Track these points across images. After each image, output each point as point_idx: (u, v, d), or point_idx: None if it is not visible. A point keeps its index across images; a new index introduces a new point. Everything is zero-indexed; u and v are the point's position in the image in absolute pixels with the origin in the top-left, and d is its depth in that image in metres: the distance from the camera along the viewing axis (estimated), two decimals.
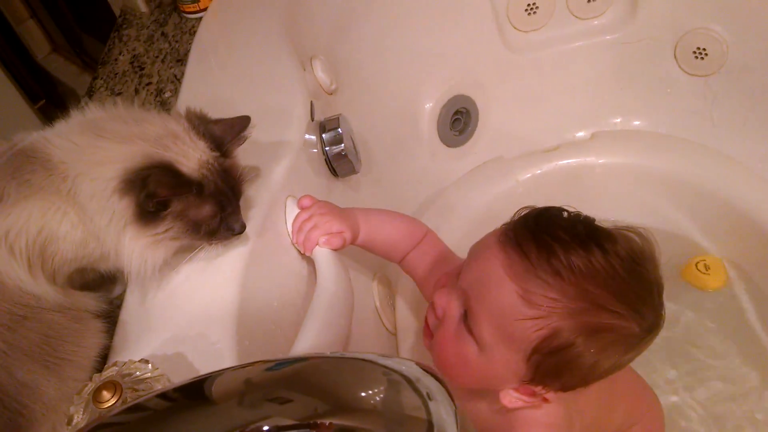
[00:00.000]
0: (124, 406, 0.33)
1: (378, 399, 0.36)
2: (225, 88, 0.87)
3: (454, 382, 0.63)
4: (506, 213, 0.61)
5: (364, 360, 0.38)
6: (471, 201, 1.04)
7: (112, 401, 0.48)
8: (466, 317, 0.59)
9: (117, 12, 1.15)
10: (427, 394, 0.36)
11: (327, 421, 0.34)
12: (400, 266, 0.81)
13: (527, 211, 0.60)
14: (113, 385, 0.49)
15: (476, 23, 1.27)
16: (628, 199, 1.04)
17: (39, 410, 0.49)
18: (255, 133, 0.77)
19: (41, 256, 0.53)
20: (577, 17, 1.29)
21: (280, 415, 0.33)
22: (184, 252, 0.61)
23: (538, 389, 0.58)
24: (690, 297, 0.96)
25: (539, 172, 1.07)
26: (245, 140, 0.63)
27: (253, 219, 0.68)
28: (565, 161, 1.06)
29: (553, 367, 0.55)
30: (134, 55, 1.03)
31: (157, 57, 1.01)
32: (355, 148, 0.89)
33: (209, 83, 0.89)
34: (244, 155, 0.74)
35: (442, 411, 0.37)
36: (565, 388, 0.57)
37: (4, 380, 0.49)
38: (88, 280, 0.61)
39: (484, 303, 0.57)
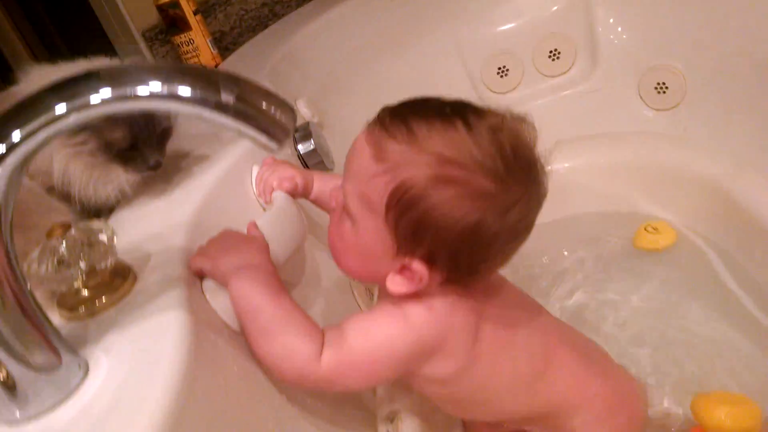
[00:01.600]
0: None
1: None
2: None
3: (347, 272, 0.65)
4: None
5: None
6: None
7: (59, 233, 0.56)
8: None
9: None
10: None
11: None
12: None
13: None
14: (63, 225, 0.57)
15: (455, 88, 1.43)
16: (582, 193, 1.10)
17: None
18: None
19: None
20: (545, 75, 1.44)
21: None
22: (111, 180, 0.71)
23: (407, 261, 0.57)
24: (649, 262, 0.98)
25: None
26: None
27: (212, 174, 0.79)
28: None
29: (408, 226, 0.55)
30: None
31: None
32: (327, 149, 1.00)
33: None
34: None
35: None
36: (433, 259, 0.56)
37: None
38: None
39: (348, 174, 0.60)
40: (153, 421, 0.44)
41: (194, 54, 1.23)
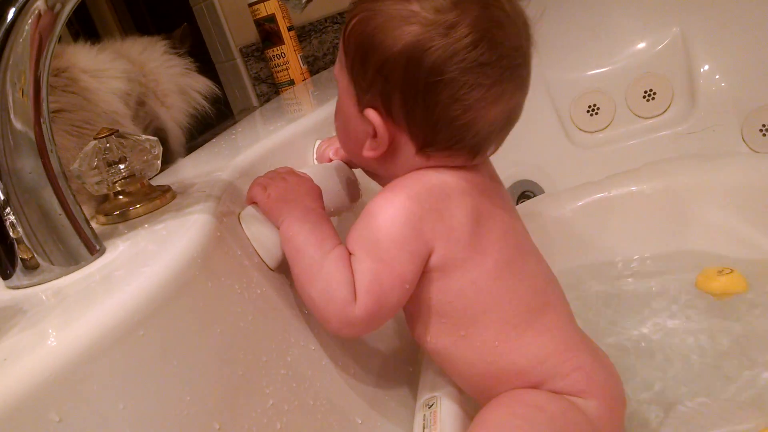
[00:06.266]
0: None
1: None
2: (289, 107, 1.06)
3: (348, 153, 0.69)
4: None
5: None
6: None
7: (105, 133, 0.57)
8: None
9: (236, 111, 1.43)
10: None
11: None
12: None
13: None
14: (111, 129, 0.58)
15: (542, 123, 1.39)
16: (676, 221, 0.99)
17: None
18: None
19: None
20: (639, 116, 1.37)
21: None
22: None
23: (365, 114, 0.57)
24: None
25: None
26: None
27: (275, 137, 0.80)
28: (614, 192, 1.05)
29: (357, 60, 0.56)
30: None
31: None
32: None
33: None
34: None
35: None
36: (388, 104, 0.56)
37: None
38: None
39: None
40: (140, 291, 0.41)
41: (284, 67, 1.28)
